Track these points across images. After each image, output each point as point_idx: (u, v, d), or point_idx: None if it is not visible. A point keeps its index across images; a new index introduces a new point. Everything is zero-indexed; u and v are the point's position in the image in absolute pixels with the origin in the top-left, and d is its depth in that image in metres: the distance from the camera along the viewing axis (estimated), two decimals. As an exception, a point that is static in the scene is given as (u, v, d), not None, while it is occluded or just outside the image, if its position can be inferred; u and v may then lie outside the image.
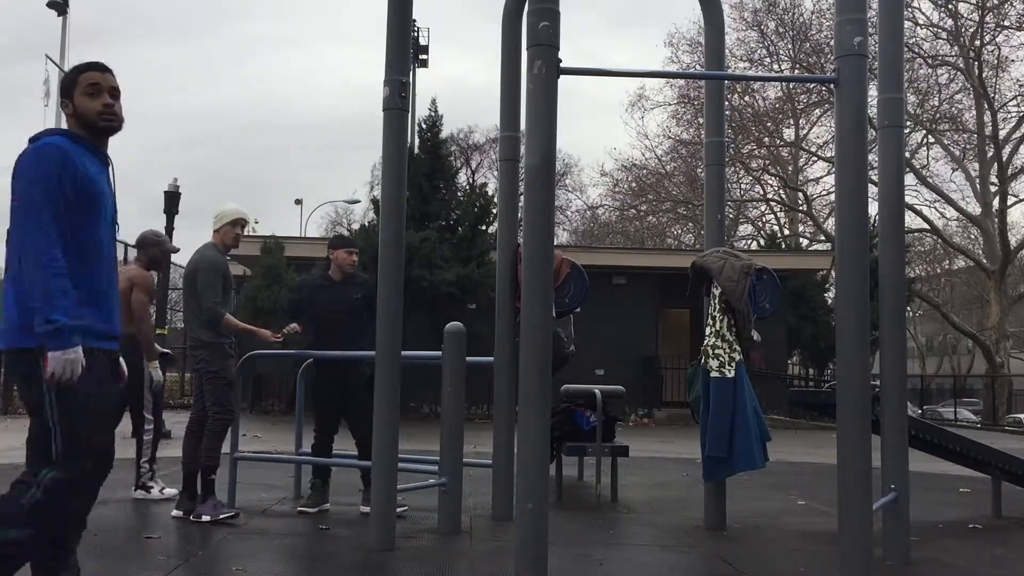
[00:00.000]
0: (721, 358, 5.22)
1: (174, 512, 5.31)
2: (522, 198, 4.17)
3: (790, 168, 32.88)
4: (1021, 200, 29.03)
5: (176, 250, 6.63)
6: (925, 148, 28.48)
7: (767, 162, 32.77)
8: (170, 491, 6.06)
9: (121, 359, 3.12)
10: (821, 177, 33.18)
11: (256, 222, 32.44)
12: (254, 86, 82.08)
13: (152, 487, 6.18)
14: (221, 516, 5.15)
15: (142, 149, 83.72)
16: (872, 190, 4.48)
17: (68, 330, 2.72)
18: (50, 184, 2.77)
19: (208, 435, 5.33)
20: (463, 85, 67.33)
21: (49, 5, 21.59)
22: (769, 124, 31.03)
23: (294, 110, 79.64)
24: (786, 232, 33.23)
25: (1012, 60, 32.70)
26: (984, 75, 26.15)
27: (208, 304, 5.34)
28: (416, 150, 17.66)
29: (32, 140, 2.94)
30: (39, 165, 2.79)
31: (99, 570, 3.98)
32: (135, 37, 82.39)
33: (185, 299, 5.57)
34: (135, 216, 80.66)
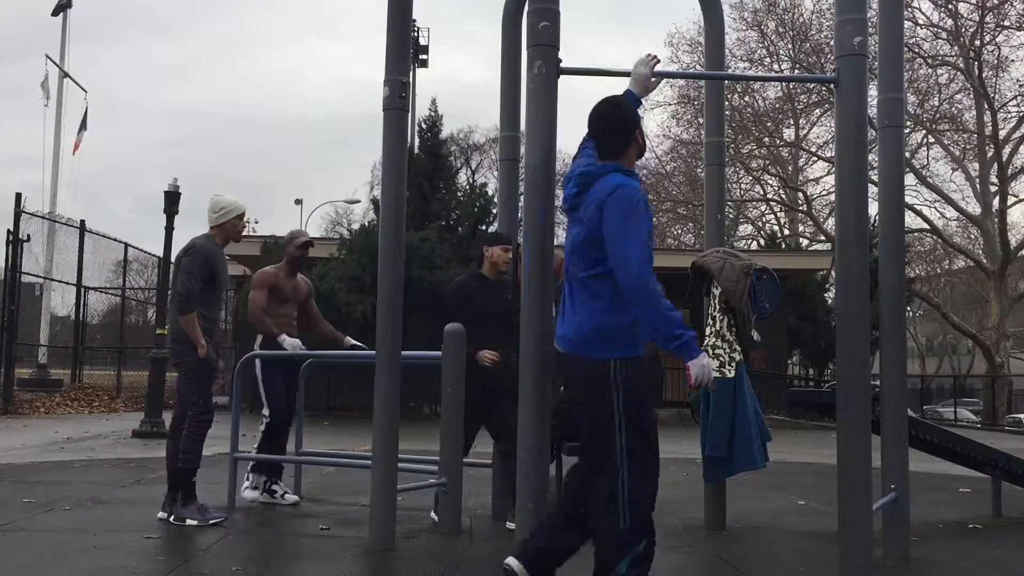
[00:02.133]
0: (721, 358, 5.22)
1: (160, 514, 5.11)
2: (522, 198, 4.17)
3: (790, 168, 32.88)
4: (1021, 200, 28.98)
5: (306, 242, 6.13)
6: (925, 148, 28.45)
7: (767, 162, 32.75)
8: (291, 497, 5.88)
9: None
10: (821, 177, 33.16)
11: (256, 222, 32.48)
12: (252, 83, 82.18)
13: (248, 487, 5.92)
14: (210, 520, 4.96)
15: (135, 147, 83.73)
16: (872, 190, 4.48)
17: (693, 340, 3.07)
18: (643, 222, 3.14)
19: (186, 437, 5.07)
20: (463, 85, 67.41)
21: (55, 12, 21.61)
22: (769, 124, 31.01)
23: (294, 109, 79.75)
24: (786, 232, 33.21)
25: (1012, 60, 32.65)
26: (984, 75, 26.12)
27: (182, 289, 5.01)
28: (416, 150, 17.66)
29: (602, 173, 3.24)
30: (637, 207, 3.14)
31: (99, 570, 3.98)
32: (128, 33, 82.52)
33: (172, 288, 5.39)
34: (129, 215, 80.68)
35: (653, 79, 3.65)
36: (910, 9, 25.02)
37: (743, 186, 34.53)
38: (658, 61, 3.67)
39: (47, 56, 21.72)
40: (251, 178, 75.07)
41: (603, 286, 3.17)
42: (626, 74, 3.69)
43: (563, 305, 3.36)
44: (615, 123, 3.37)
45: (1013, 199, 28.20)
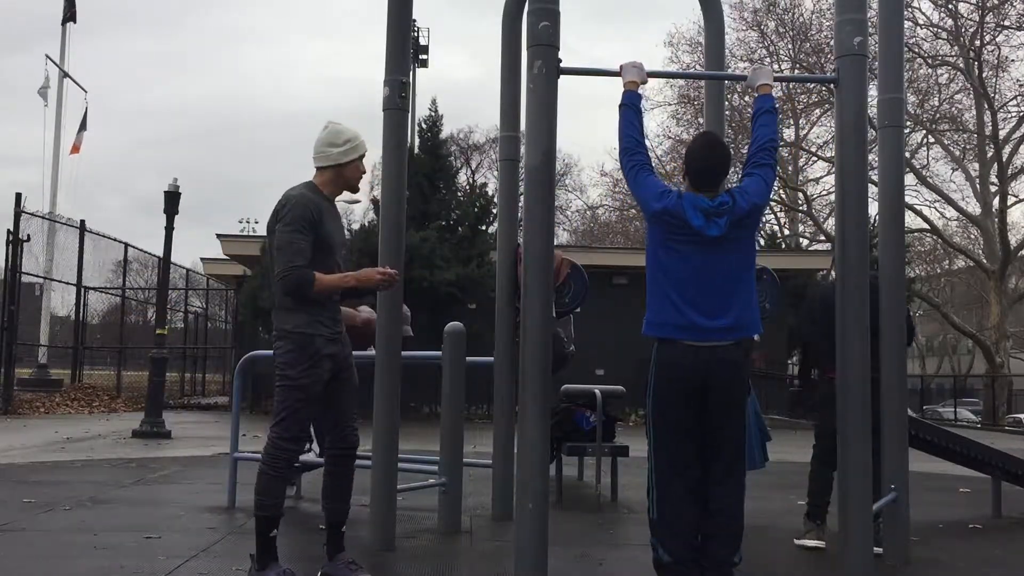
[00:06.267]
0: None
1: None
2: (522, 198, 4.17)
3: (790, 168, 32.88)
4: (1021, 200, 29.00)
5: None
6: (925, 148, 28.46)
7: (767, 162, 32.69)
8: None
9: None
10: (821, 177, 33.19)
11: (256, 222, 32.41)
12: (244, 80, 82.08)
13: None
14: None
15: (126, 146, 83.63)
16: (872, 190, 4.48)
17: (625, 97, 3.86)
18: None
19: (261, 471, 3.69)
20: (463, 84, 67.38)
21: (64, 20, 21.77)
22: (769, 124, 30.96)
23: (292, 108, 79.70)
24: (786, 232, 33.22)
25: (1012, 60, 32.71)
26: (984, 75, 26.13)
27: (280, 267, 3.62)
28: (416, 150, 17.64)
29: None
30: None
31: (99, 570, 3.98)
32: (116, 31, 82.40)
33: (268, 265, 3.89)
34: (122, 214, 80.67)
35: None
36: (910, 9, 25.04)
37: (743, 186, 34.48)
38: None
39: (47, 56, 21.76)
40: (249, 177, 75.16)
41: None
42: None
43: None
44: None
45: (1013, 199, 28.22)
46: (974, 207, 28.21)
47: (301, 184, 3.83)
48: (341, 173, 3.83)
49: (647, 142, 3.85)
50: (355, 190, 3.96)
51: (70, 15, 21.89)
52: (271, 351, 3.79)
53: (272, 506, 3.67)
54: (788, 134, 32.46)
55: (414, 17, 8.30)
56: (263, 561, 3.64)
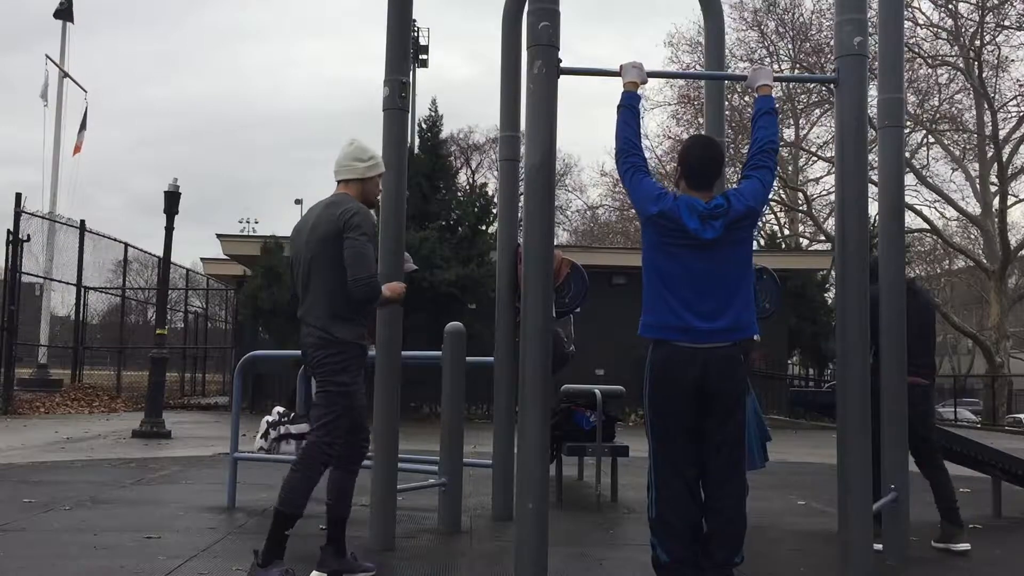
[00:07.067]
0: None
1: (314, 573, 3.80)
2: (522, 198, 4.17)
3: (790, 168, 32.88)
4: (1021, 200, 28.98)
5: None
6: (925, 148, 28.45)
7: (767, 162, 32.66)
8: None
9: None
10: (821, 177, 33.18)
11: (256, 222, 32.45)
12: (241, 80, 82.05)
13: None
14: None
15: (121, 144, 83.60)
16: (872, 190, 4.48)
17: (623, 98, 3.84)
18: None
19: (296, 469, 3.77)
20: (463, 84, 67.38)
21: (56, 15, 21.75)
22: (769, 124, 30.93)
23: (291, 107, 79.69)
24: (786, 232, 33.21)
25: (1012, 60, 32.65)
26: (984, 75, 26.12)
27: (362, 273, 3.76)
28: (416, 150, 17.63)
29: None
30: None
31: (99, 570, 3.98)
32: (120, 29, 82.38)
33: (314, 269, 3.89)
34: (122, 212, 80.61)
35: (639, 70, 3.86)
36: (910, 9, 25.01)
37: (743, 186, 34.46)
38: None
39: (47, 56, 21.74)
40: (249, 177, 75.15)
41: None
42: None
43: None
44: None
45: (1013, 199, 28.20)
46: (974, 207, 28.21)
47: (340, 197, 4.01)
48: (365, 187, 4.08)
49: (646, 142, 3.85)
50: (373, 206, 4.17)
51: (64, 10, 21.80)
52: (271, 351, 3.87)
53: (299, 505, 3.73)
54: (788, 134, 32.44)
55: (414, 17, 8.30)
56: (268, 557, 3.66)
